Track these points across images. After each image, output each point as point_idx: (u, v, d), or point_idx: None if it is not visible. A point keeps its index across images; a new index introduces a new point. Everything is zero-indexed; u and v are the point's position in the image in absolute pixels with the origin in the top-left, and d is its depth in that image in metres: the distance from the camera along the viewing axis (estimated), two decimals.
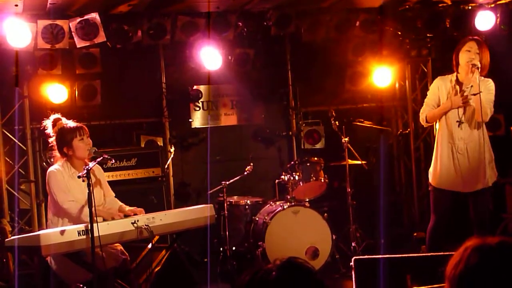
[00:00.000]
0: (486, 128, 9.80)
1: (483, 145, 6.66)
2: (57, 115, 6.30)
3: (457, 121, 6.62)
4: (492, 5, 8.93)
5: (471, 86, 6.57)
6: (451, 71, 8.89)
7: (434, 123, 6.82)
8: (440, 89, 6.78)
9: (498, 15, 8.95)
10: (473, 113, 6.60)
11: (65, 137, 6.12)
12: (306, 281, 2.23)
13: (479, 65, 6.48)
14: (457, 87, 6.69)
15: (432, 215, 6.84)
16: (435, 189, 6.79)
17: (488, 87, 6.65)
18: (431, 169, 6.88)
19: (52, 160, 6.51)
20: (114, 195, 6.51)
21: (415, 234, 8.83)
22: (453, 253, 2.40)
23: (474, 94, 6.50)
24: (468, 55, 6.57)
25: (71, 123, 6.23)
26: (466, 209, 6.80)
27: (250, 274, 2.26)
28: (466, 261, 2.31)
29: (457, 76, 6.73)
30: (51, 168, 6.15)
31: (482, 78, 6.63)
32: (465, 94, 6.59)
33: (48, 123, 6.27)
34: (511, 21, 9.09)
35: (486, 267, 2.27)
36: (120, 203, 6.44)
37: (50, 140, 6.26)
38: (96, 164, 6.23)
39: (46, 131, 6.29)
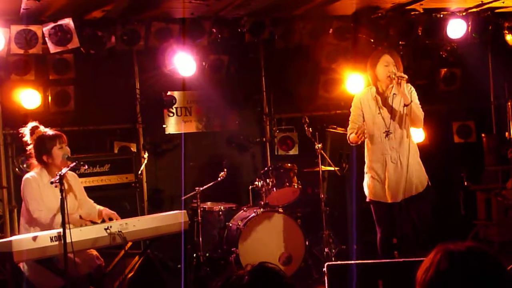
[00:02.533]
0: (457, 135, 9.96)
1: (412, 149, 6.74)
2: (35, 123, 6.29)
3: (384, 132, 6.68)
4: (464, 14, 9.04)
5: (393, 94, 6.66)
6: (424, 78, 9.02)
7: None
8: (362, 103, 6.82)
9: (469, 23, 9.06)
10: (399, 121, 6.65)
11: (44, 145, 6.12)
12: (278, 285, 2.25)
13: (406, 76, 6.52)
14: (378, 97, 6.75)
15: (377, 227, 6.90)
16: (373, 201, 6.87)
17: (413, 93, 6.69)
18: (364, 182, 6.94)
19: (27, 167, 6.48)
20: (92, 201, 6.50)
21: None
22: (424, 258, 2.43)
23: (406, 105, 6.56)
24: (387, 69, 6.62)
25: (50, 131, 6.23)
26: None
27: (222, 280, 2.28)
28: (436, 266, 2.33)
29: (377, 88, 6.78)
30: (26, 175, 6.15)
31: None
32: (388, 102, 6.68)
33: (25, 130, 6.25)
34: (482, 30, 9.20)
35: (456, 272, 2.30)
36: (99, 207, 6.44)
37: (28, 148, 6.24)
38: (73, 173, 6.24)
39: (23, 138, 6.27)
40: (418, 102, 6.71)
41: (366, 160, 6.91)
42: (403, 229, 6.97)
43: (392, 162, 6.65)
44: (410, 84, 6.76)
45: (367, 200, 6.93)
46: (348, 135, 6.92)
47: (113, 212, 6.38)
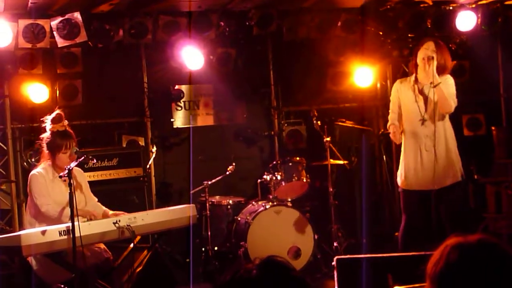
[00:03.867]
0: (467, 128, 9.91)
1: (449, 140, 6.74)
2: (60, 112, 6.31)
3: (420, 119, 6.70)
4: (473, 6, 8.98)
5: (431, 83, 6.64)
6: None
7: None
8: (400, 92, 6.91)
9: (479, 15, 9.00)
10: (434, 109, 6.66)
11: (52, 146, 6.15)
12: (286, 278, 2.24)
13: (434, 55, 6.55)
14: (416, 86, 6.79)
15: (403, 215, 6.92)
16: (403, 190, 6.88)
17: (448, 82, 6.74)
18: (399, 171, 6.97)
19: (35, 161, 6.50)
20: (96, 199, 6.50)
21: (396, 233, 8.85)
22: (433, 252, 2.42)
23: (434, 86, 6.58)
24: (425, 52, 6.65)
25: (64, 132, 6.22)
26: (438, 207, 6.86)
27: (231, 273, 2.26)
28: (446, 258, 2.32)
29: (416, 77, 6.81)
30: (33, 171, 6.18)
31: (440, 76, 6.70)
32: (424, 91, 6.70)
33: (49, 118, 6.27)
34: (491, 22, 9.14)
35: (466, 265, 2.29)
36: (104, 208, 6.44)
37: (42, 136, 6.27)
38: (79, 169, 6.26)
39: (44, 123, 6.29)
40: (454, 92, 6.74)
41: (402, 148, 6.94)
42: (427, 221, 6.96)
43: (426, 150, 6.68)
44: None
45: (399, 190, 6.94)
46: (388, 125, 7.02)
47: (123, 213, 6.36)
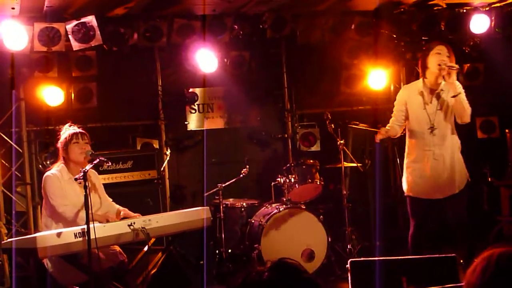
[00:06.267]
0: (481, 130, 9.87)
1: (455, 149, 6.63)
2: (71, 123, 6.41)
3: (429, 128, 6.56)
4: (487, 8, 8.97)
5: (441, 90, 6.53)
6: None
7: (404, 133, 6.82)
8: (408, 98, 6.72)
9: (492, 18, 8.99)
10: (444, 117, 6.55)
11: (64, 141, 6.20)
12: (298, 281, 2.25)
13: (457, 66, 6.39)
14: (424, 92, 6.62)
15: (411, 221, 6.80)
16: (410, 197, 6.76)
17: (459, 87, 6.55)
18: (404, 177, 6.84)
19: (50, 163, 6.55)
20: (110, 200, 6.54)
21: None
22: (446, 255, 2.41)
23: (454, 96, 6.44)
24: (439, 57, 6.46)
25: (74, 127, 6.30)
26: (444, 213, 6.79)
27: (243, 276, 2.28)
28: (496, 266, 2.30)
29: (424, 82, 6.65)
30: (47, 173, 6.20)
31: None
32: (439, 98, 6.55)
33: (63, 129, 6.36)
34: (505, 24, 9.12)
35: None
36: (118, 206, 6.47)
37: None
38: (92, 170, 6.28)
39: (59, 136, 6.36)
40: (465, 98, 6.57)
41: (406, 155, 6.84)
42: (436, 225, 6.90)
43: (435, 159, 6.54)
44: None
45: (405, 194, 6.85)
46: (387, 126, 6.88)
47: (135, 214, 6.38)
